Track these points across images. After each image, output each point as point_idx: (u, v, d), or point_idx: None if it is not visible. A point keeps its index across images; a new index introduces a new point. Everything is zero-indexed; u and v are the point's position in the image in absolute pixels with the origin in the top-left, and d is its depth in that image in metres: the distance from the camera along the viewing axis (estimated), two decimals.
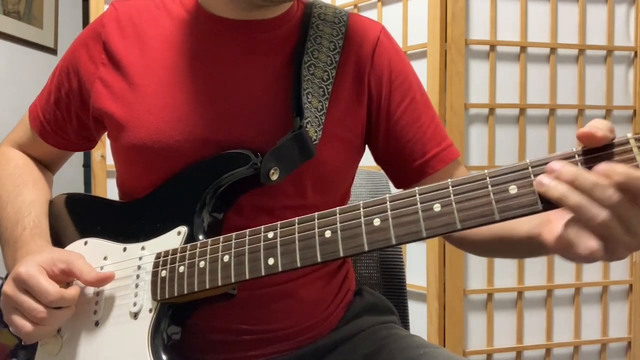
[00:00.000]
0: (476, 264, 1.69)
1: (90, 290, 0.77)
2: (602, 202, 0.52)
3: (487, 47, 1.69)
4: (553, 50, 1.71)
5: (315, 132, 0.78)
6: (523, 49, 1.70)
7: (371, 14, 1.78)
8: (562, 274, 1.74)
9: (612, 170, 0.51)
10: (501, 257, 0.81)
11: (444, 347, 1.62)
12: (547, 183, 0.53)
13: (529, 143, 1.71)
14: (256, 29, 0.83)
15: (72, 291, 0.72)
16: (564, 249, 0.57)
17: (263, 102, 0.80)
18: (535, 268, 1.72)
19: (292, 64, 0.82)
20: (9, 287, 0.71)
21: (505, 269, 1.71)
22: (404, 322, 1.09)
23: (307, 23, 0.85)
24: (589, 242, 0.53)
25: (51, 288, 0.69)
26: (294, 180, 0.79)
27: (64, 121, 0.90)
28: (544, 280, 1.73)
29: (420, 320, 1.67)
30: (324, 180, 0.82)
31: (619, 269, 1.77)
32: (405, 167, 0.87)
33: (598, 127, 0.53)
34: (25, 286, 0.70)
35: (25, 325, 0.70)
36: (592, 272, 1.76)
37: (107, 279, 0.74)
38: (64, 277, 0.73)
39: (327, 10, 0.88)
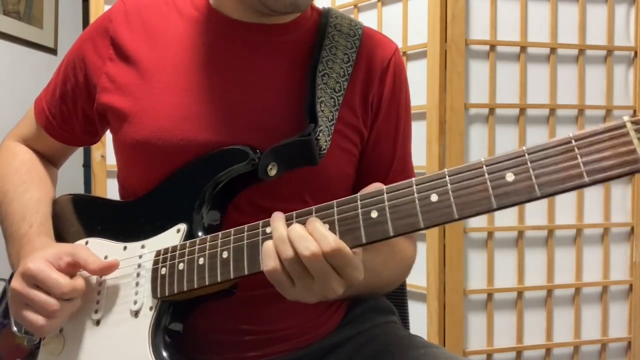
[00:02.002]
0: (476, 264, 1.69)
1: (92, 289, 0.77)
2: (297, 251, 0.61)
3: (487, 47, 1.69)
4: (553, 50, 1.71)
5: (326, 141, 0.78)
6: (523, 49, 1.70)
7: (371, 14, 1.78)
8: (562, 274, 1.74)
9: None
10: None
11: (444, 347, 1.62)
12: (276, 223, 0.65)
13: (529, 143, 1.69)
14: (268, 32, 0.83)
15: (80, 281, 0.73)
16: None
17: (271, 106, 0.80)
18: (535, 268, 1.72)
19: (304, 71, 0.82)
20: (17, 283, 0.72)
21: (505, 269, 1.71)
22: (404, 322, 1.08)
23: (322, 32, 0.85)
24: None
25: (63, 280, 0.71)
26: (295, 186, 0.79)
27: (70, 116, 0.91)
28: (544, 280, 1.73)
29: (420, 320, 1.67)
30: (325, 190, 0.82)
31: (619, 269, 1.77)
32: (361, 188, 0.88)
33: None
34: (35, 281, 0.71)
35: (39, 319, 0.71)
36: (592, 272, 1.76)
37: (111, 266, 0.75)
38: (71, 270, 0.74)
39: (343, 21, 0.88)
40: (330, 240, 0.60)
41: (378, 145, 0.88)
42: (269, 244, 0.63)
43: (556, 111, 1.72)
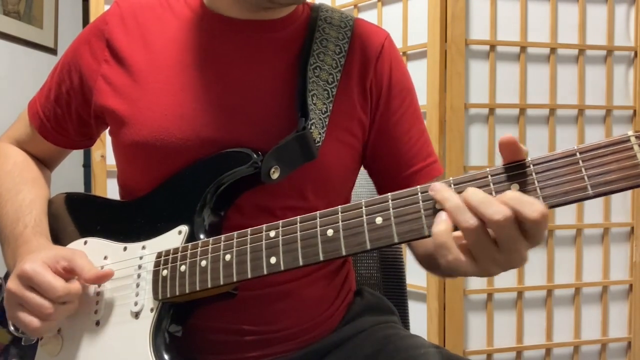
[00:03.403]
0: None
1: (91, 289, 0.77)
2: (486, 218, 0.54)
3: (487, 47, 1.69)
4: (553, 50, 1.71)
5: (319, 133, 0.78)
6: (523, 49, 1.70)
7: (371, 14, 1.78)
8: (562, 274, 1.74)
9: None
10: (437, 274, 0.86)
11: (444, 347, 1.62)
12: (440, 189, 0.58)
13: (529, 143, 1.71)
14: (261, 29, 0.83)
15: (77, 285, 0.72)
16: (440, 256, 0.58)
17: (267, 102, 0.80)
18: (535, 268, 1.73)
19: (297, 66, 0.82)
20: (13, 284, 0.71)
21: None
22: (404, 322, 1.09)
23: (313, 26, 0.85)
24: (457, 253, 0.57)
25: (58, 283, 0.70)
26: (295, 182, 0.79)
27: (64, 118, 0.90)
28: (544, 280, 1.73)
29: (420, 320, 1.67)
30: (325, 183, 0.83)
31: (619, 269, 1.78)
32: (389, 177, 0.88)
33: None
34: (30, 283, 0.70)
35: (33, 321, 0.70)
36: (592, 272, 1.76)
37: (105, 276, 0.74)
38: (67, 274, 0.73)
39: (334, 14, 0.88)
40: (539, 205, 0.54)
41: (393, 130, 0.87)
42: (442, 215, 0.57)
43: (556, 111, 1.73)
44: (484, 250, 0.56)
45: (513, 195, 0.55)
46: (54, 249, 0.77)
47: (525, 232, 0.55)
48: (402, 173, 0.87)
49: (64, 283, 0.71)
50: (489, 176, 0.57)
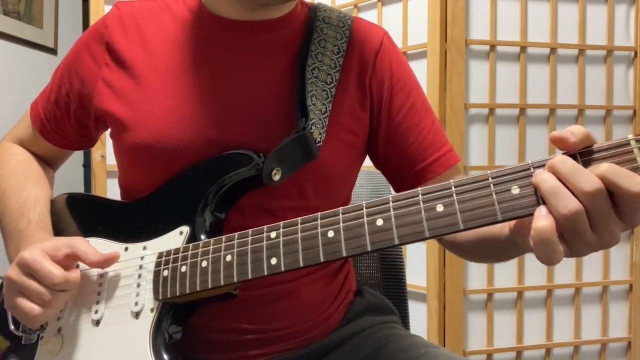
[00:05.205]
0: (476, 264, 1.69)
1: (92, 288, 0.77)
2: (577, 190, 0.51)
3: (487, 47, 1.69)
4: (553, 50, 1.71)
5: (320, 134, 0.78)
6: (523, 49, 1.70)
7: (371, 14, 1.78)
8: (562, 274, 1.74)
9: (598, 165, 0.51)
10: (482, 261, 0.84)
11: (444, 347, 1.62)
12: (537, 173, 0.53)
13: (529, 143, 1.71)
14: (259, 29, 0.83)
15: (75, 274, 0.73)
16: (539, 253, 0.53)
17: (266, 103, 0.80)
18: (535, 268, 1.73)
19: (296, 66, 0.82)
20: (13, 272, 0.72)
21: (505, 269, 1.71)
22: (404, 322, 1.09)
23: (311, 26, 0.85)
24: (560, 248, 0.52)
25: (56, 271, 0.70)
26: (296, 182, 0.79)
27: (63, 120, 0.91)
28: (544, 280, 1.73)
29: (420, 320, 1.67)
30: (326, 183, 0.83)
31: (619, 269, 1.78)
32: (405, 171, 0.88)
33: (573, 132, 0.53)
34: (29, 270, 0.71)
35: (33, 308, 0.71)
36: (592, 272, 1.76)
37: (112, 259, 0.75)
38: (69, 262, 0.73)
39: (332, 14, 0.88)
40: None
41: (403, 124, 0.87)
42: (542, 210, 0.52)
43: (556, 111, 1.73)
44: (579, 234, 0.52)
45: (609, 166, 0.50)
46: (54, 239, 0.77)
47: (620, 208, 0.51)
48: (417, 165, 0.86)
49: (62, 271, 0.71)
50: (490, 178, 0.57)
